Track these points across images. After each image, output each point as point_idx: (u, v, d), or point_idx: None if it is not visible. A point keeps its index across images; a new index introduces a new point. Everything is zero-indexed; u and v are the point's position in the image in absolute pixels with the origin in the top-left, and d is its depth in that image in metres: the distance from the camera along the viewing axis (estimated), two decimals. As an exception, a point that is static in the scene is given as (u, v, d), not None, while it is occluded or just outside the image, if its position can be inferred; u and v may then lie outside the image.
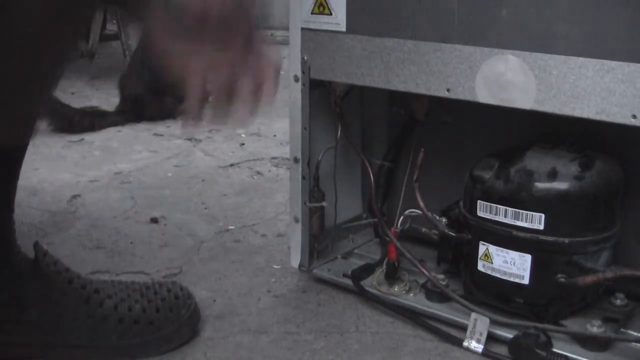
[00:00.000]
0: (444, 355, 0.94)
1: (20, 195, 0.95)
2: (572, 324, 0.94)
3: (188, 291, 1.00)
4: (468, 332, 0.94)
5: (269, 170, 1.72)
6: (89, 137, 2.01)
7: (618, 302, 0.96)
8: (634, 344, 0.91)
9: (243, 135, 2.03)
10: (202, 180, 1.64)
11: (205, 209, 1.46)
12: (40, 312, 0.90)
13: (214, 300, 1.08)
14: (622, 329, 0.93)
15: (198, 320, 1.00)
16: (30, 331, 0.90)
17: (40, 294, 0.90)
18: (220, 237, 1.32)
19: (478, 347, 0.93)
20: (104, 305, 0.93)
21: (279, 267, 1.19)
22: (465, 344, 0.94)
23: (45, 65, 0.82)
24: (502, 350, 0.93)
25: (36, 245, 0.93)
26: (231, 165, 1.76)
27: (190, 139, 2.00)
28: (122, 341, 0.93)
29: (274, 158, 1.81)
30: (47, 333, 0.91)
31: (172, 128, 2.13)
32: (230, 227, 1.36)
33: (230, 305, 1.06)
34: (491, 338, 0.94)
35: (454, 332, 0.97)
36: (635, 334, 0.93)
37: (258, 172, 1.70)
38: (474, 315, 0.95)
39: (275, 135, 2.02)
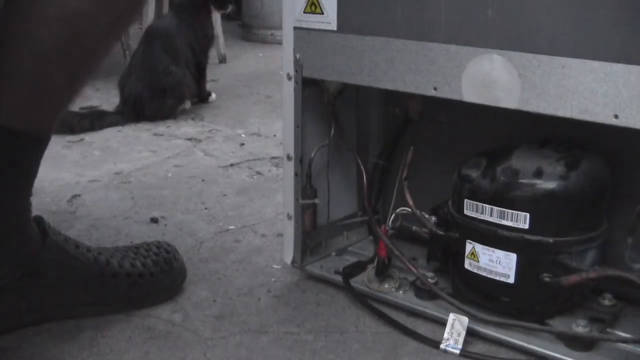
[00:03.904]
0: (444, 356, 0.93)
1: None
2: (558, 324, 0.94)
3: (174, 247, 1.12)
4: (446, 333, 0.94)
5: (269, 170, 1.72)
6: (88, 137, 2.02)
7: (606, 302, 0.96)
8: (619, 344, 0.90)
9: (243, 135, 2.04)
10: (202, 180, 1.64)
11: (205, 209, 1.46)
12: (57, 277, 0.97)
13: (214, 300, 1.08)
14: (608, 329, 0.93)
15: (186, 272, 1.11)
16: (49, 295, 0.98)
17: (55, 260, 0.97)
18: (220, 237, 1.32)
19: (456, 348, 0.93)
20: (110, 263, 1.02)
21: (279, 267, 1.19)
22: (442, 346, 0.94)
23: (95, 66, 0.93)
24: (484, 349, 0.93)
25: (40, 218, 0.99)
26: (231, 165, 1.76)
27: (190, 139, 2.01)
28: (130, 293, 1.03)
29: (274, 158, 1.81)
30: (65, 294, 0.99)
31: (172, 128, 2.14)
32: (230, 227, 1.37)
33: (230, 305, 1.07)
34: (476, 336, 0.94)
35: (442, 329, 0.96)
36: (620, 334, 0.93)
37: (258, 172, 1.71)
38: (452, 315, 0.95)
39: (275, 135, 2.02)
